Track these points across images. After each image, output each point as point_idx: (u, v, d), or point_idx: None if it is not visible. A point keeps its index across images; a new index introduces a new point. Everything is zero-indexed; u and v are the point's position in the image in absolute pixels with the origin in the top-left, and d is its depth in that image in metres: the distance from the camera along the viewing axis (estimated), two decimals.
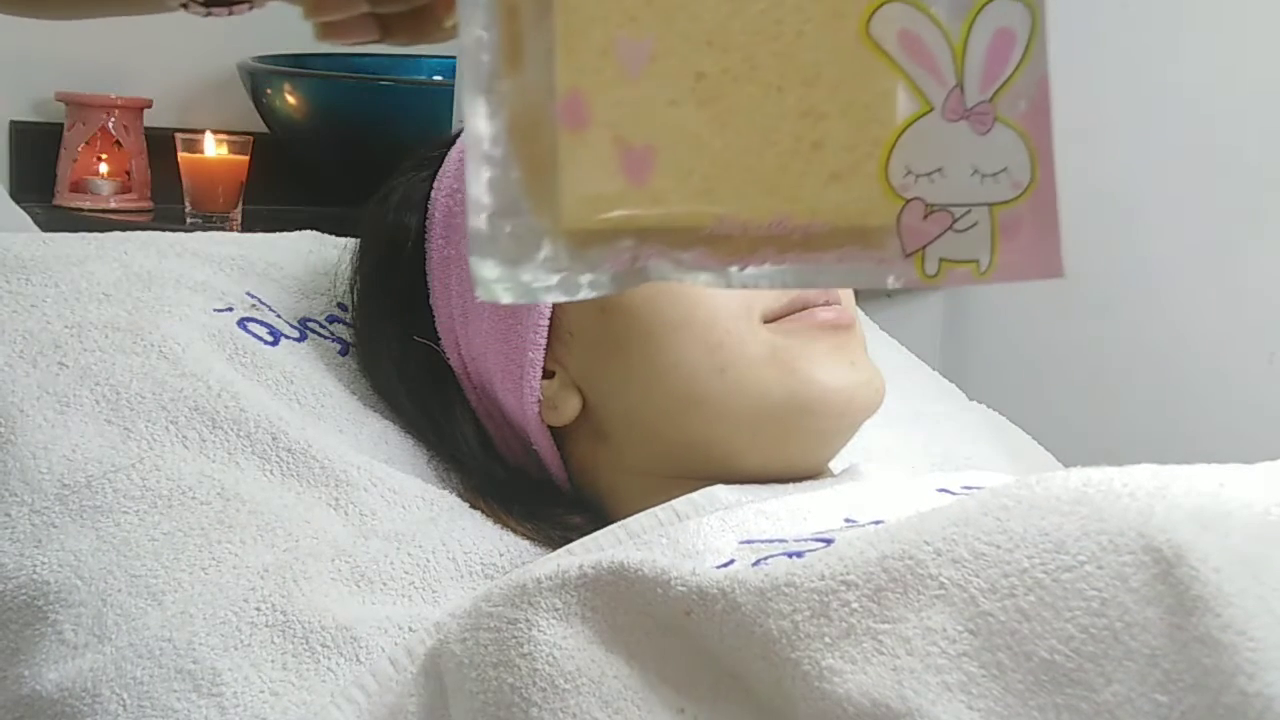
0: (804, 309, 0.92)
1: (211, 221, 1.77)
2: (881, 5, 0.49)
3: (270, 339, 1.04)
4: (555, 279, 0.47)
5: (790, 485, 0.92)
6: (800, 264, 0.50)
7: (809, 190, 0.49)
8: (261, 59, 1.94)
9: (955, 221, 0.50)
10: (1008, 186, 0.51)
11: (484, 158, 0.46)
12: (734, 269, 0.49)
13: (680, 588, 0.70)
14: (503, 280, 0.47)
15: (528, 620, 0.73)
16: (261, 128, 1.94)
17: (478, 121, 0.46)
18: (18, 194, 1.91)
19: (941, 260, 0.51)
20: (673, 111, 0.48)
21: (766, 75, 0.49)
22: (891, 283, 0.50)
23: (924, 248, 0.50)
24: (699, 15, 0.48)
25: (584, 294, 0.48)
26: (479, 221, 0.46)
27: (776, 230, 0.49)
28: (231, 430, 0.95)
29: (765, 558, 0.73)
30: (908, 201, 0.50)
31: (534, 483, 1.01)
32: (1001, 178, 0.51)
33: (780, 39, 0.49)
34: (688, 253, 0.49)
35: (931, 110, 0.50)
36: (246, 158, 1.82)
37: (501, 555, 0.92)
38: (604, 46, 0.47)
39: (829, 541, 0.73)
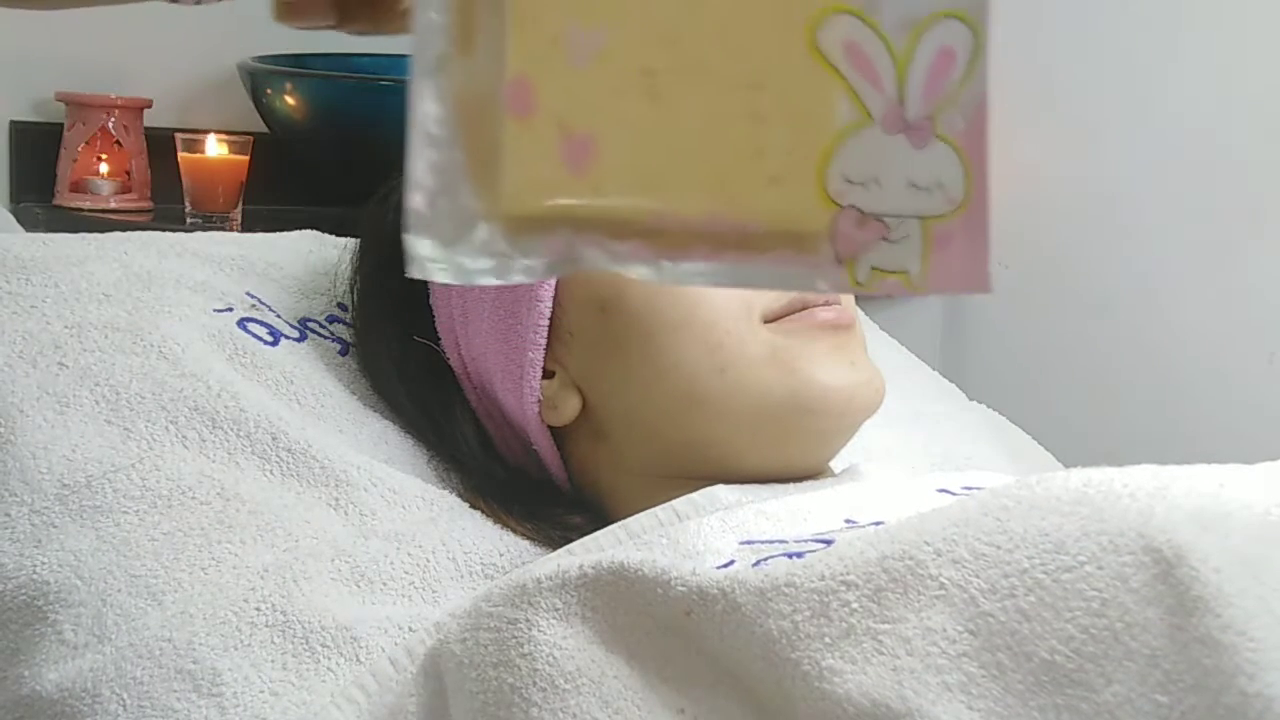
0: (804, 309, 0.92)
1: (211, 221, 1.77)
2: (829, 14, 0.50)
3: (270, 339, 1.04)
4: (490, 262, 0.48)
5: (790, 485, 0.92)
6: (733, 264, 0.50)
7: (748, 191, 0.50)
8: (261, 59, 1.94)
9: (888, 231, 0.51)
10: (941, 201, 0.52)
11: (429, 138, 0.47)
12: (667, 263, 0.50)
13: (680, 588, 0.70)
14: (438, 259, 0.47)
15: (528, 620, 0.73)
16: (261, 128, 1.94)
17: (425, 102, 0.47)
18: (18, 194, 1.91)
19: (873, 268, 0.51)
20: (618, 104, 0.49)
21: (713, 76, 0.49)
22: (822, 288, 0.51)
23: (856, 255, 0.51)
24: (652, 11, 0.49)
25: (516, 278, 0.48)
26: (418, 201, 0.47)
27: (712, 228, 0.50)
28: (231, 430, 0.95)
29: (765, 558, 0.73)
30: (843, 208, 0.50)
31: (534, 483, 1.01)
32: (936, 192, 0.52)
33: (729, 41, 0.49)
34: (623, 244, 0.49)
35: (871, 121, 0.51)
36: (246, 158, 1.82)
37: (501, 555, 0.92)
38: (555, 35, 0.48)
39: (829, 542, 0.73)
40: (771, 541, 0.77)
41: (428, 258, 0.47)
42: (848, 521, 0.81)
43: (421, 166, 0.47)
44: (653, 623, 0.71)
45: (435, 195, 0.47)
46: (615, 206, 0.49)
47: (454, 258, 0.47)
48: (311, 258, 1.14)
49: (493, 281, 0.48)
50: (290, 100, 1.90)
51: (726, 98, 0.49)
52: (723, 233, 0.50)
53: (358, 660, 0.83)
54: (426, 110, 0.47)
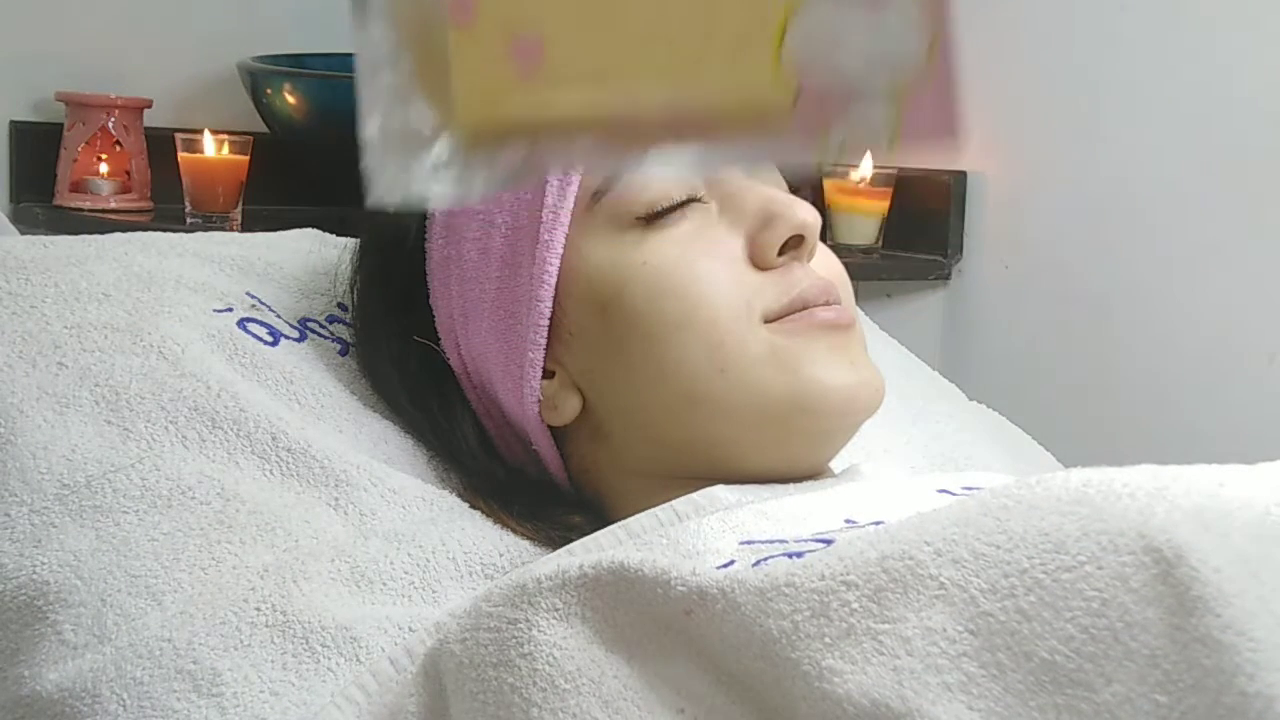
0: (804, 309, 0.92)
1: (211, 221, 1.77)
2: None
3: (270, 339, 1.04)
4: (450, 178, 0.47)
5: (791, 486, 0.92)
6: (700, 149, 0.49)
7: (703, 74, 0.49)
8: (261, 59, 1.94)
9: (854, 99, 0.50)
10: (904, 61, 0.51)
11: (375, 62, 0.46)
12: (631, 158, 0.49)
13: (680, 588, 0.70)
14: (397, 184, 0.47)
15: (528, 620, 0.73)
16: (261, 128, 1.94)
17: (368, 27, 0.46)
18: (18, 194, 1.92)
19: (844, 138, 0.50)
20: (561, 1, 0.48)
21: None
22: (795, 162, 0.50)
23: (825, 126, 0.50)
24: None
25: (479, 191, 0.47)
26: (372, 126, 0.46)
27: (672, 117, 0.49)
28: (231, 430, 0.95)
29: (765, 558, 0.72)
30: (804, 81, 0.49)
31: (534, 483, 1.01)
32: (898, 53, 0.51)
33: None
34: (584, 144, 0.48)
35: None
36: (246, 158, 1.82)
37: (501, 555, 0.92)
38: None
39: (829, 542, 0.73)
40: (771, 541, 0.77)
41: (388, 182, 0.46)
42: (848, 521, 0.80)
43: (372, 91, 0.46)
44: (653, 623, 0.71)
45: (388, 118, 0.46)
46: (571, 106, 0.48)
47: (413, 179, 0.46)
48: (311, 258, 1.14)
49: (454, 197, 0.47)
50: (290, 100, 1.90)
51: None
52: (684, 120, 0.49)
53: (358, 660, 0.83)
54: (370, 34, 0.46)
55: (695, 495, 0.88)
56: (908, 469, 1.17)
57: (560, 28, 0.47)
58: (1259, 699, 0.54)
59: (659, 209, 0.93)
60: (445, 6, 0.46)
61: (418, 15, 0.47)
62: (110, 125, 1.87)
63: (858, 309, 0.98)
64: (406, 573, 0.89)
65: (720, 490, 0.89)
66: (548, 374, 0.96)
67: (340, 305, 1.10)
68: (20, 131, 1.93)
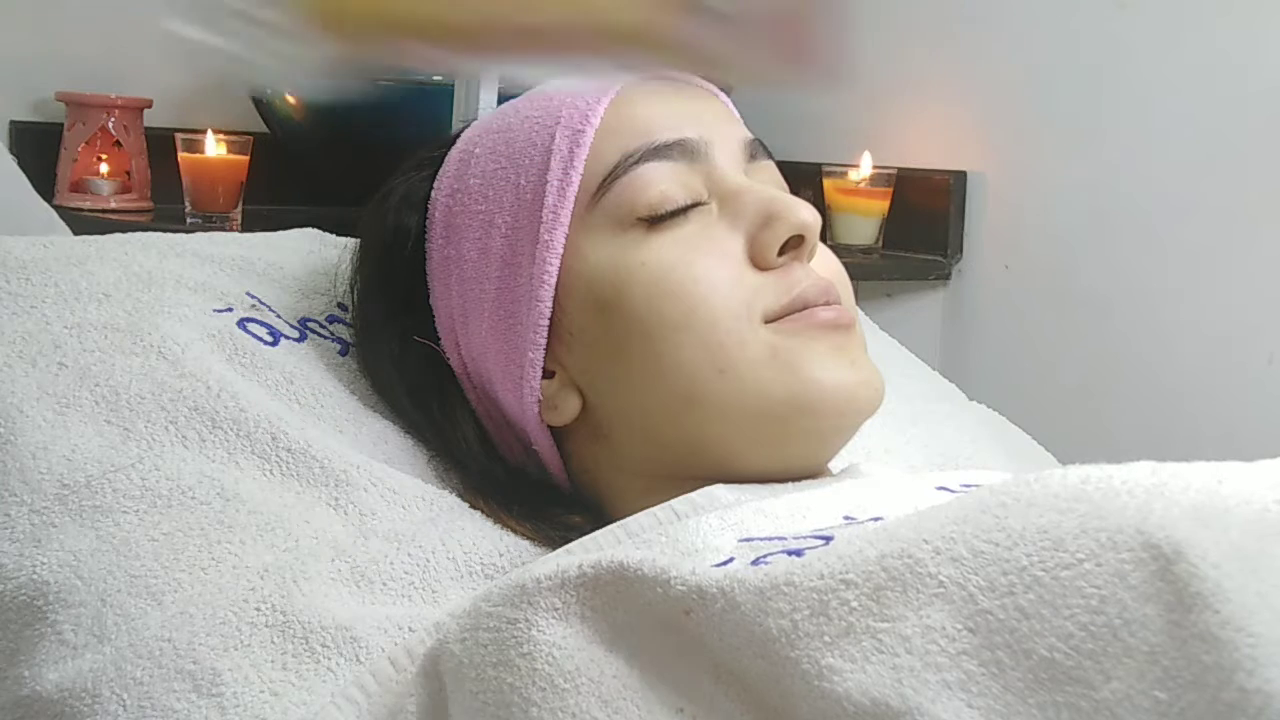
0: (804, 309, 0.92)
1: (211, 221, 1.78)
2: None
3: (270, 339, 1.04)
4: (309, 66, 0.48)
5: (790, 485, 0.92)
6: (553, 59, 0.51)
7: None
8: None
9: (736, 19, 0.52)
10: None
11: None
12: (486, 63, 0.51)
13: (680, 587, 0.70)
14: (262, 71, 0.48)
15: (527, 620, 0.73)
16: (261, 128, 1.94)
17: None
18: None
19: (724, 56, 0.52)
20: None
21: None
22: (675, 75, 0.52)
23: (706, 44, 0.52)
24: None
25: (340, 80, 0.49)
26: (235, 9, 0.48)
27: (529, 27, 0.50)
28: (231, 430, 0.95)
29: (764, 555, 0.73)
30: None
31: (534, 483, 1.01)
32: None
33: None
34: (440, 48, 0.50)
35: None
36: (246, 158, 1.82)
37: (501, 555, 0.92)
38: None
39: (828, 539, 0.73)
40: (770, 538, 0.77)
41: (255, 70, 0.48)
42: (846, 518, 0.80)
43: None
44: (652, 622, 0.71)
45: (253, 5, 0.48)
46: (430, 9, 0.50)
47: (273, 64, 0.48)
48: (311, 258, 1.14)
49: (323, 90, 0.49)
50: (290, 100, 1.90)
51: None
52: (540, 30, 0.51)
53: (358, 660, 0.83)
54: None
55: (694, 495, 0.88)
56: (908, 469, 1.17)
57: None
58: (1258, 695, 0.54)
59: (661, 213, 0.93)
60: None
61: None
62: (110, 125, 1.87)
63: (858, 309, 0.98)
64: (406, 573, 0.89)
65: (719, 490, 0.89)
66: (548, 374, 0.96)
67: (340, 305, 1.10)
68: (20, 131, 1.93)
